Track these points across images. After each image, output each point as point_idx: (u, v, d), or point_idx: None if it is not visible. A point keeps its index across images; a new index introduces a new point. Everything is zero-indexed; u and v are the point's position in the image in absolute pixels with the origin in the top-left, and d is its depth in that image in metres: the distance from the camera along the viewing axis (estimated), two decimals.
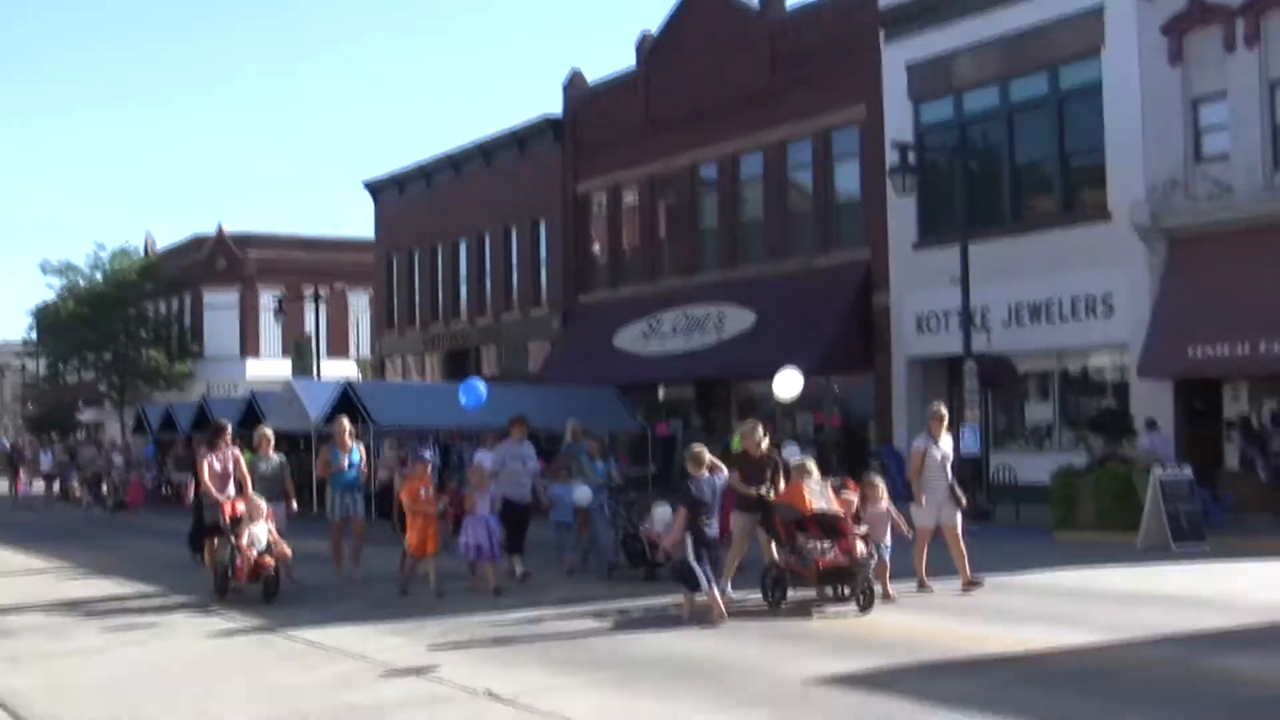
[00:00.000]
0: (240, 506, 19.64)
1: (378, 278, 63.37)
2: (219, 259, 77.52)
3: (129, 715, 11.46)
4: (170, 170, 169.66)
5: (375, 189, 61.96)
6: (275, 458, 21.52)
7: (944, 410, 19.57)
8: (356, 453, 21.82)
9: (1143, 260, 30.66)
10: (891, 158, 33.20)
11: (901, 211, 35.91)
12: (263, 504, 19.60)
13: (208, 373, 74.51)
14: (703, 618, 15.96)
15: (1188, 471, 25.22)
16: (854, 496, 17.88)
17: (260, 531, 19.23)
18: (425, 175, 58.21)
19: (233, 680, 13.04)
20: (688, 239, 44.25)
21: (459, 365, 55.43)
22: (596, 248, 48.86)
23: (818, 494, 17.27)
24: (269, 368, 72.68)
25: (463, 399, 22.56)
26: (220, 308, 77.39)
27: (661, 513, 20.00)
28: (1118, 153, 31.38)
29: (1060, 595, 18.07)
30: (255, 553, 18.99)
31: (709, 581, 16.20)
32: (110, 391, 76.67)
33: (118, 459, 49.06)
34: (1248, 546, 23.65)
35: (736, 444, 30.72)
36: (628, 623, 16.39)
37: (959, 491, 19.01)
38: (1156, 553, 23.25)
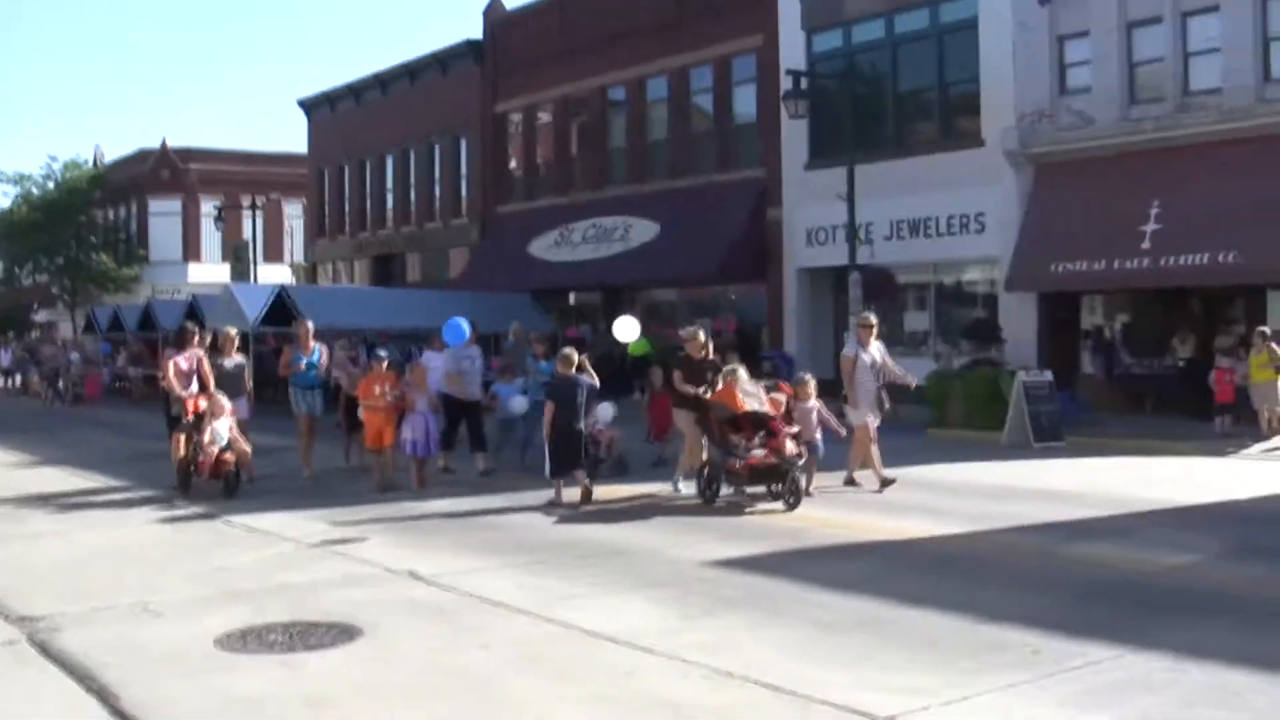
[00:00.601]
0: (203, 404, 18.82)
1: (310, 189, 62.61)
2: (163, 170, 76.41)
3: (79, 590, 11.41)
4: (118, 88, 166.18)
5: (308, 106, 61.00)
6: (237, 358, 20.55)
7: (873, 319, 19.19)
8: (317, 353, 21.11)
9: (1012, 183, 30.85)
10: (785, 84, 33.08)
11: (794, 134, 35.85)
12: (225, 401, 18.73)
13: (153, 277, 73.62)
14: (568, 505, 16.76)
15: (1048, 375, 25.60)
16: (783, 397, 17.53)
17: (222, 428, 18.40)
18: (354, 94, 57.39)
19: (179, 561, 12.99)
20: (598, 156, 43.98)
21: (385, 270, 55.09)
22: (514, 163, 48.42)
23: (751, 394, 17.04)
24: (209, 272, 71.78)
25: (446, 337, 21.36)
26: (164, 215, 76.26)
27: (603, 410, 19.70)
28: (991, 84, 31.45)
29: (934, 489, 18.31)
30: (216, 449, 18.16)
31: (554, 472, 17.12)
32: (63, 294, 75.75)
33: (75, 356, 48.17)
34: (1100, 445, 24.06)
35: (637, 349, 30.91)
36: (553, 513, 16.42)
37: (884, 397, 18.69)
38: (1019, 450, 23.65)
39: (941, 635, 9.35)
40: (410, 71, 53.31)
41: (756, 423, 16.86)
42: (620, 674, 8.45)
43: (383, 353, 20.72)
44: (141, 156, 78.43)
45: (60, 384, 46.34)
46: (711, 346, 18.63)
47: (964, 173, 31.71)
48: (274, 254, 73.54)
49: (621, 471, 20.04)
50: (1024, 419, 24.56)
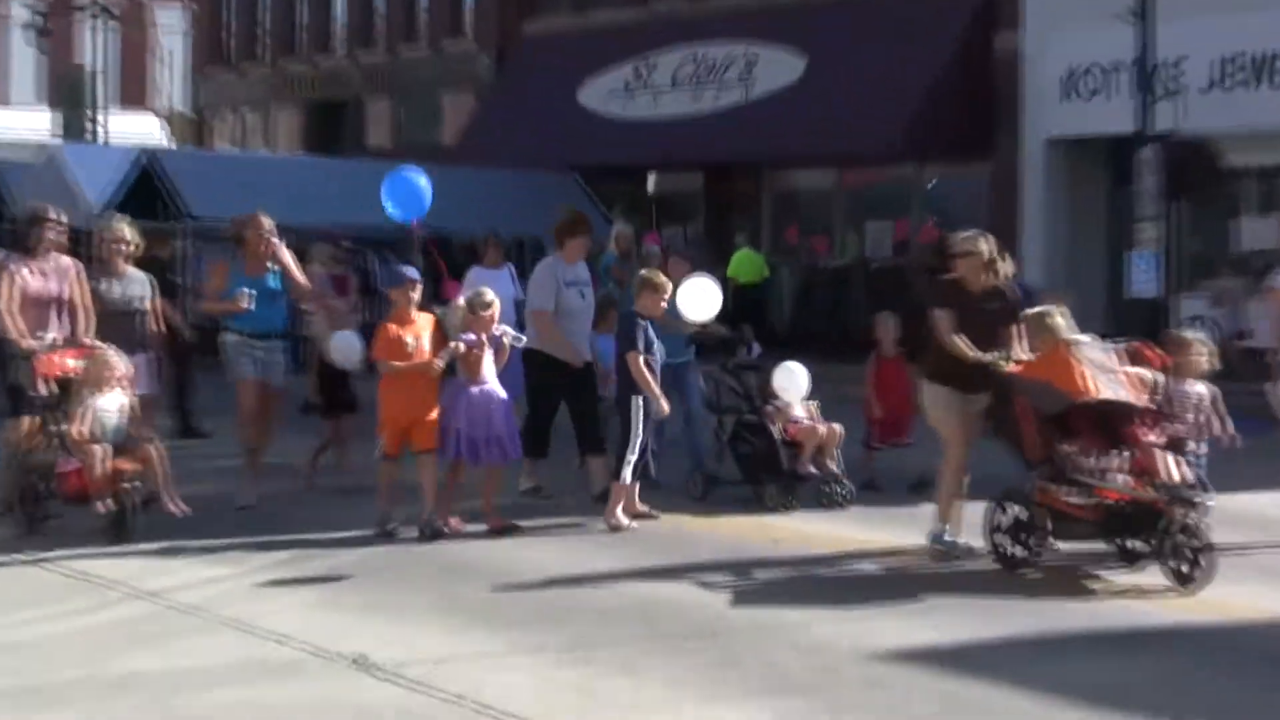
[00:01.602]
0: (73, 363, 16.80)
1: None
2: None
3: None
4: None
5: None
6: (134, 275, 18.67)
7: None
8: (275, 276, 19.19)
9: None
10: None
11: None
12: (117, 360, 16.70)
13: None
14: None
15: None
16: (1151, 373, 15.57)
17: (111, 408, 16.52)
18: None
19: None
20: None
21: (329, 126, 55.46)
22: None
23: (1103, 368, 15.19)
24: (21, 121, 71.83)
25: (389, 206, 21.33)
26: None
27: (793, 380, 19.20)
28: None
29: None
30: (101, 451, 16.04)
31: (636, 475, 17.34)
32: None
33: None
34: None
35: (747, 270, 30.83)
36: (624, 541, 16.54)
37: None
38: None
39: None
40: None
41: (1115, 420, 15.18)
42: None
43: (410, 272, 18.84)
44: None
45: None
46: (1001, 268, 17.31)
47: None
48: (134, 95, 74.25)
49: (850, 495, 19.07)
50: None
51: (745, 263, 35.72)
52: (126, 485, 15.94)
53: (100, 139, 55.82)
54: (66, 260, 17.70)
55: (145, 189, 36.80)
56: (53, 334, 17.10)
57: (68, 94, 63.59)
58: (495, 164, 41.96)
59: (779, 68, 39.97)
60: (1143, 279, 30.37)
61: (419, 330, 17.16)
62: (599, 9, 46.08)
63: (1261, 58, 32.80)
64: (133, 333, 18.03)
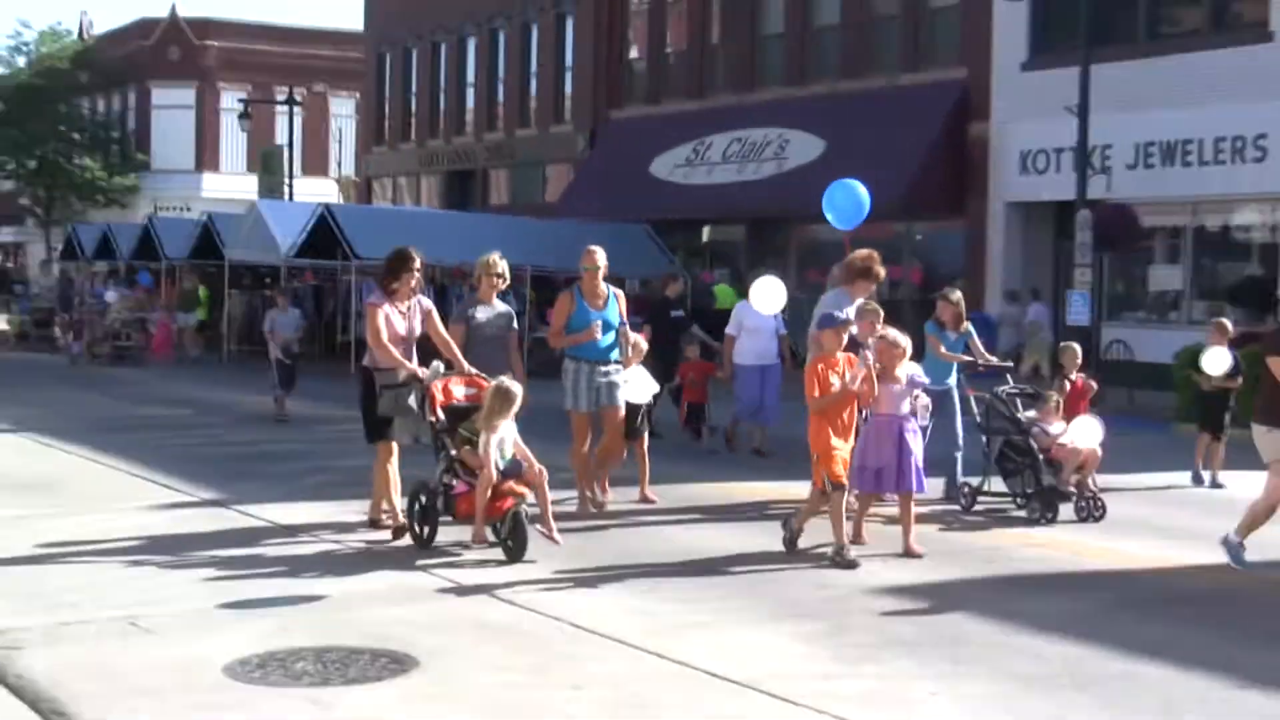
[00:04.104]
0: (458, 390, 14.50)
1: (366, 79, 63.13)
2: (171, 48, 76.75)
3: (47, 598, 11.58)
4: None
5: None
6: (498, 306, 16.24)
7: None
8: (613, 302, 16.63)
9: None
10: None
11: (1009, 21, 35.50)
12: (519, 390, 13.96)
13: (155, 187, 74.32)
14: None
15: None
16: None
17: (507, 436, 13.86)
18: None
19: (179, 563, 13.16)
20: (746, 46, 43.91)
21: (461, 189, 55.47)
22: (635, 52, 48.58)
23: None
24: (230, 184, 72.37)
25: (830, 215, 19.51)
26: (172, 108, 76.97)
27: (1087, 429, 16.80)
28: None
29: (1179, 504, 18.16)
30: (497, 470, 13.53)
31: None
32: (34, 207, 76.30)
33: (108, 293, 44.82)
34: None
35: (720, 299, 30.87)
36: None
37: None
38: None
39: (1180, 698, 9.34)
40: None
41: None
42: None
43: (841, 314, 14.90)
44: (143, 28, 78.38)
45: (82, 334, 42.03)
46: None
47: (1241, 78, 31.16)
48: (315, 165, 74.46)
49: (1103, 513, 16.71)
50: None
51: (723, 294, 36.02)
52: (519, 507, 13.41)
53: (289, 197, 55.85)
54: (424, 300, 15.25)
55: (323, 236, 37.11)
56: (435, 362, 14.54)
57: (265, 164, 63.63)
58: (586, 218, 42.04)
59: (805, 146, 39.86)
60: (1078, 311, 30.46)
61: (842, 369, 13.82)
62: (668, 102, 46.11)
63: (1171, 145, 32.64)
64: (499, 359, 15.53)
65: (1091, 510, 16.38)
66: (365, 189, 62.62)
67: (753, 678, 9.46)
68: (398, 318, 14.70)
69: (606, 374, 16.33)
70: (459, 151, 56.24)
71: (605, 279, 16.39)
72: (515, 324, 16.34)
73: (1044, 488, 16.33)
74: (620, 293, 16.77)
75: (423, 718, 8.68)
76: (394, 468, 14.73)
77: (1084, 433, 16.58)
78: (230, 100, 72.61)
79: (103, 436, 22.52)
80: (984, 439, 17.17)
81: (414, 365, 14.47)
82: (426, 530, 13.86)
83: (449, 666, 9.70)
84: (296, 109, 60.03)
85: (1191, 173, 32.47)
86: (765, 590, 12.40)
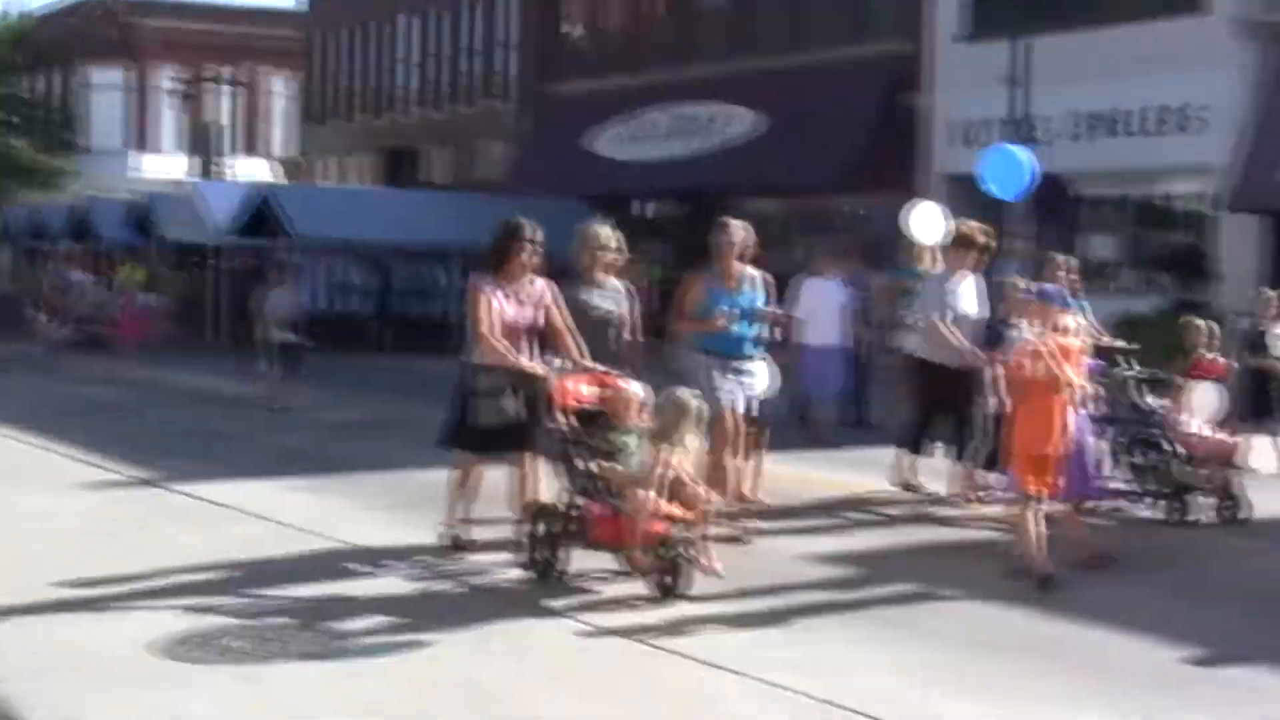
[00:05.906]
0: (588, 391, 12.26)
1: (304, 60, 63.11)
2: (106, 29, 76.01)
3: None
4: None
5: None
6: (613, 283, 14.12)
7: None
8: (753, 292, 14.66)
9: (1243, 65, 30.57)
10: None
11: None
12: (638, 393, 12.22)
13: (90, 169, 73.43)
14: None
15: None
16: None
17: (634, 445, 11.98)
18: None
19: (116, 540, 13.32)
20: (684, 20, 44.09)
21: (398, 168, 55.45)
22: (572, 26, 48.62)
23: None
24: (165, 165, 71.47)
25: (991, 184, 18.29)
26: (106, 89, 76.44)
27: (1208, 398, 15.74)
28: None
29: None
30: (647, 495, 11.29)
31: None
32: None
33: (77, 276, 43.46)
34: None
35: (657, 275, 30.97)
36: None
37: None
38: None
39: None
40: None
41: None
42: None
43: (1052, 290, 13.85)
44: (76, 10, 78.02)
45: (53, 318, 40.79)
46: None
47: (1175, 50, 31.30)
48: (253, 144, 74.05)
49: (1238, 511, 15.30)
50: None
51: (656, 272, 36.10)
52: (677, 535, 11.21)
53: (227, 178, 55.74)
54: (541, 283, 12.94)
55: (261, 217, 37.13)
56: (558, 360, 12.67)
57: (201, 144, 63.36)
58: (527, 195, 42.05)
59: (742, 122, 40.07)
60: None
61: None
62: (605, 78, 46.09)
63: (1105, 116, 32.89)
64: (608, 344, 13.44)
65: (1226, 510, 14.96)
66: (304, 168, 62.52)
67: None
68: (508, 303, 12.62)
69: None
70: (396, 130, 56.32)
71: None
72: (627, 303, 14.02)
73: (1174, 483, 14.90)
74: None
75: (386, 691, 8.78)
76: (476, 484, 13.02)
77: (1204, 400, 15.43)
78: (166, 80, 72.30)
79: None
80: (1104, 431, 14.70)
81: (532, 362, 12.53)
82: (553, 558, 11.72)
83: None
84: (234, 89, 59.79)
85: (1125, 143, 32.67)
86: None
